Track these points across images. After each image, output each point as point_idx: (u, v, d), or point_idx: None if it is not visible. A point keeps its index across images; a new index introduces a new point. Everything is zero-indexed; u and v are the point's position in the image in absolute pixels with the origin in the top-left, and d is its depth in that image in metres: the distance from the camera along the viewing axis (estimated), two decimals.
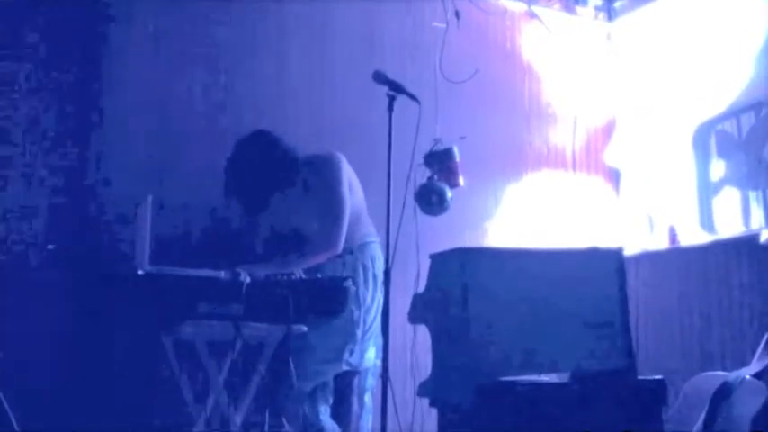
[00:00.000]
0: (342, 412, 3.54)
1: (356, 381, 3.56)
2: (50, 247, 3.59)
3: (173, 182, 3.76)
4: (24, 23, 3.65)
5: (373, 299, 3.46)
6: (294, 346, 3.02)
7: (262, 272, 3.12)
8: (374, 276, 3.48)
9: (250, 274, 3.00)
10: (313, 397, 3.40)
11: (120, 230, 3.66)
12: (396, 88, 3.12)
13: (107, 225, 3.68)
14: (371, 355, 3.49)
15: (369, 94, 3.44)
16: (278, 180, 3.41)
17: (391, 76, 3.16)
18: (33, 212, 3.59)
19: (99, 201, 3.69)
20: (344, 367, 3.41)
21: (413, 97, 3.13)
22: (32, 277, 3.52)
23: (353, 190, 3.51)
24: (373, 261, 3.51)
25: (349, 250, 3.45)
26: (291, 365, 2.98)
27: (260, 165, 3.38)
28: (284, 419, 3.29)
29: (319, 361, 3.33)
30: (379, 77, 3.17)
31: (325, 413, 3.43)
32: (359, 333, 3.39)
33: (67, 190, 3.65)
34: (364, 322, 3.42)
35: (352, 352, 3.39)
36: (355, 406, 3.57)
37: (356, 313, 3.34)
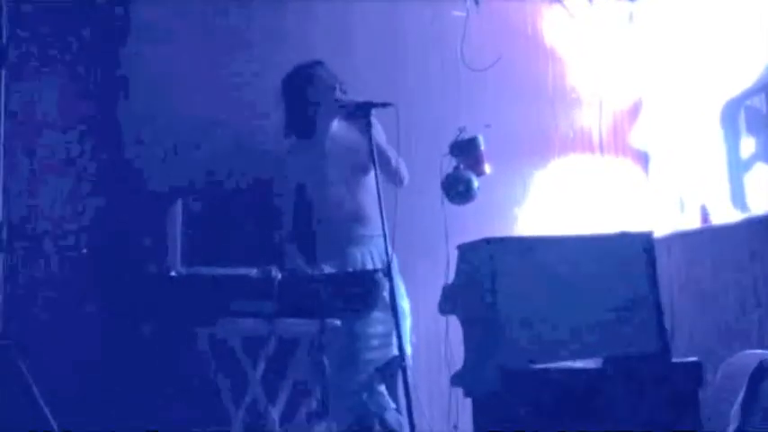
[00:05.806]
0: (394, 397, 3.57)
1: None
2: (84, 250, 3.64)
3: (201, 181, 3.79)
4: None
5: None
6: (342, 340, 3.10)
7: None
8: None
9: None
10: (369, 384, 3.42)
11: (150, 233, 3.70)
12: (362, 109, 3.22)
13: (138, 228, 3.73)
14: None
15: (391, 85, 3.44)
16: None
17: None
18: (66, 216, 3.65)
19: (130, 204, 3.74)
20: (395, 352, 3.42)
21: (385, 105, 3.18)
22: (65, 281, 3.58)
23: None
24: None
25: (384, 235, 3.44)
26: (325, 360, 3.00)
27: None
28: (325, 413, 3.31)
29: (369, 349, 3.36)
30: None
31: (383, 396, 3.46)
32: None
33: (98, 194, 3.71)
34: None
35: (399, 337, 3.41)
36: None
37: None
